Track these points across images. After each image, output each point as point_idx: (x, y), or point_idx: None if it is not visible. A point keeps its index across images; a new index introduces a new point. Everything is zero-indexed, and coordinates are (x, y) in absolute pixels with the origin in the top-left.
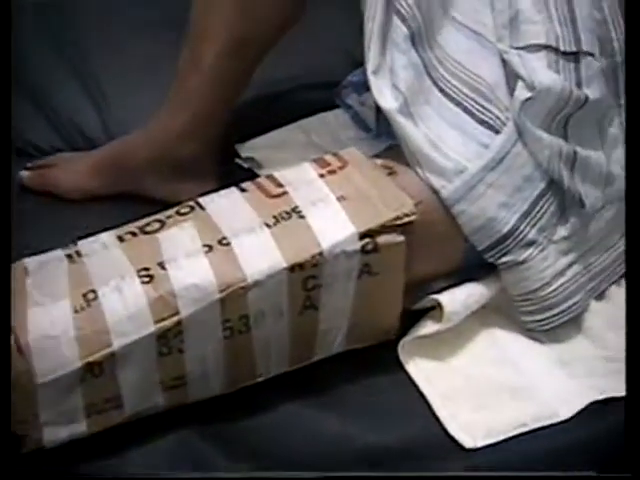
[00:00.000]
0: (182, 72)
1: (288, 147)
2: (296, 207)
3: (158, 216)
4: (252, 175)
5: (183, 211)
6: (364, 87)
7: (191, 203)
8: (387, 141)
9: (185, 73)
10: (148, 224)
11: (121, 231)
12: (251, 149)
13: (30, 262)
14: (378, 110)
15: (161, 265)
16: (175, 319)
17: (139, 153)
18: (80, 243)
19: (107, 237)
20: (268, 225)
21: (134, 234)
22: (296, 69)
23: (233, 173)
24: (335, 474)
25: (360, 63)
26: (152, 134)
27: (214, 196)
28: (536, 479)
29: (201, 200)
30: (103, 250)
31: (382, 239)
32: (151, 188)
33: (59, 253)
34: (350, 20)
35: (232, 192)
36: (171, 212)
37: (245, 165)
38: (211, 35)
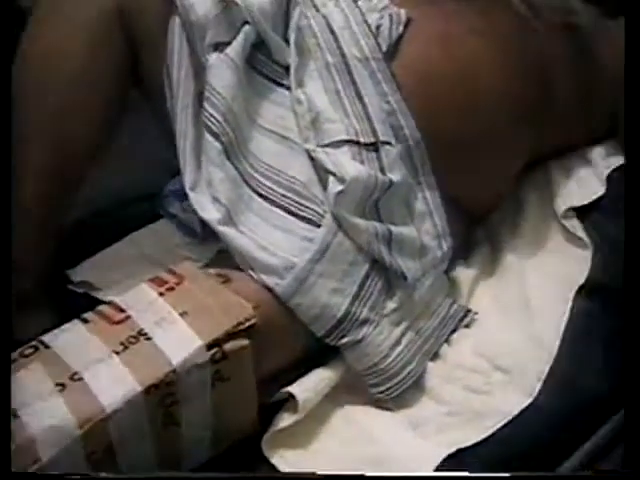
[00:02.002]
0: None
1: (121, 264)
2: (141, 330)
3: None
4: (89, 299)
5: (27, 352)
6: (184, 194)
7: (34, 343)
8: (215, 244)
9: None
10: None
11: None
12: (83, 272)
13: None
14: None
15: (14, 413)
16: (36, 467)
17: None
18: None
19: None
20: (117, 352)
21: None
22: (115, 184)
23: (70, 301)
24: (335, 474)
25: (177, 171)
26: None
27: (57, 332)
28: (535, 479)
29: (44, 338)
30: None
31: (228, 346)
32: None
33: None
34: (161, 131)
35: (75, 325)
36: (15, 355)
37: (79, 290)
38: (27, 175)
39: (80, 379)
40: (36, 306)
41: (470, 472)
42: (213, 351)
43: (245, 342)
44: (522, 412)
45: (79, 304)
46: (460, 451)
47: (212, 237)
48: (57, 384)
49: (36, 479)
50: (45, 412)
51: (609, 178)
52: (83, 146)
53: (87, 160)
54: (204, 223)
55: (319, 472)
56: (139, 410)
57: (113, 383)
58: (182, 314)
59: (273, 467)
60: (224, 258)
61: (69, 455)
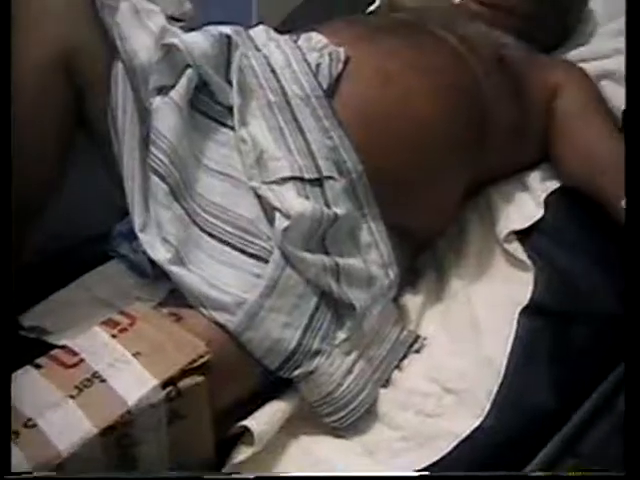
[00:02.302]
0: None
1: (72, 307)
2: (95, 372)
3: None
4: (42, 344)
5: None
6: (134, 235)
7: None
8: (167, 283)
9: None
10: None
11: None
12: (34, 317)
13: None
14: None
15: None
16: None
17: None
18: None
19: None
20: (72, 396)
21: None
22: (64, 227)
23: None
24: (335, 474)
25: (126, 212)
26: None
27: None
28: (534, 479)
29: None
30: None
31: (183, 384)
32: None
33: None
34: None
35: (27, 371)
36: None
37: (31, 335)
38: None
39: (34, 425)
40: None
41: None
42: (168, 389)
43: (200, 379)
44: (473, 432)
45: (31, 350)
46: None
47: (163, 277)
48: (13, 433)
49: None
50: None
51: (546, 201)
52: (32, 187)
53: (35, 202)
54: (154, 263)
55: None
56: (96, 453)
57: (68, 427)
58: (136, 354)
59: None
60: (176, 297)
61: None
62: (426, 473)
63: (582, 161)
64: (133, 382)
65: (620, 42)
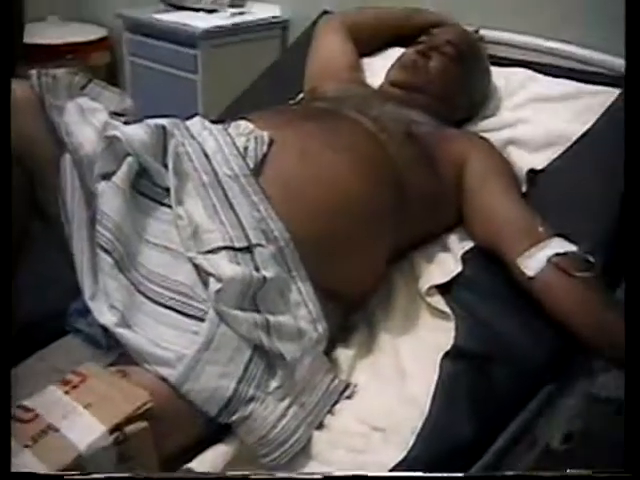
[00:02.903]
0: None
1: (32, 377)
2: (49, 424)
3: None
4: None
5: None
6: (88, 311)
7: None
8: (117, 350)
9: None
10: None
11: None
12: None
13: None
14: (105, 327)
15: None
16: None
17: None
18: None
19: None
20: (27, 446)
21: None
22: (23, 307)
23: None
24: (335, 474)
25: (79, 291)
26: None
27: None
28: (534, 479)
29: None
30: None
31: (129, 429)
32: None
33: None
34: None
35: None
36: None
37: None
38: None
39: None
40: None
41: None
42: (115, 435)
43: (143, 424)
44: (399, 463)
45: None
46: None
47: (115, 346)
48: None
49: (36, 479)
50: None
51: (463, 258)
52: None
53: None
54: (107, 334)
55: None
56: None
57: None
58: (86, 406)
59: None
60: (124, 358)
61: None
62: (428, 474)
63: (482, 223)
64: (84, 429)
65: (520, 113)
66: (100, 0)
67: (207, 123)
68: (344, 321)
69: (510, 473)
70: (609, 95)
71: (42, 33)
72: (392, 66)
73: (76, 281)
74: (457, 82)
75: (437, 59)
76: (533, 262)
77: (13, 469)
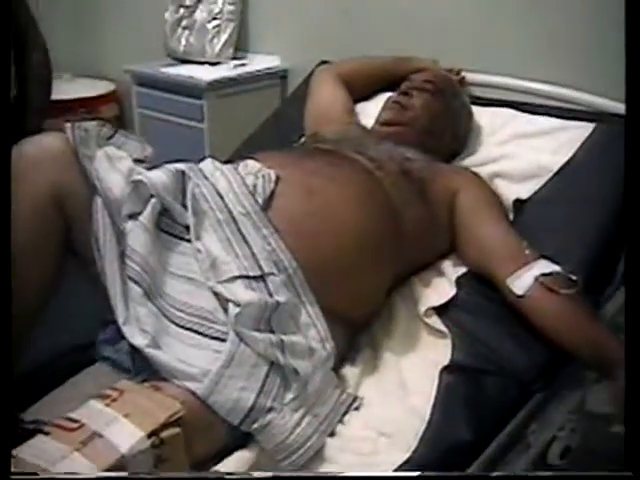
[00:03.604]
0: None
1: (65, 403)
2: (95, 431)
3: None
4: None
5: None
6: (115, 340)
7: None
8: (144, 374)
9: None
10: None
11: None
12: (34, 413)
13: None
14: (132, 354)
15: None
16: None
17: None
18: None
19: None
20: (77, 449)
21: None
22: (55, 336)
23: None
24: (335, 474)
25: (106, 323)
26: None
27: (23, 446)
28: (535, 479)
29: (13, 452)
30: None
31: (164, 434)
32: None
33: None
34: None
35: (38, 438)
36: None
37: (31, 427)
38: None
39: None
40: None
41: None
42: (152, 439)
43: (177, 430)
44: (404, 463)
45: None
46: None
47: (141, 371)
48: None
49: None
50: None
51: (458, 281)
52: (28, 303)
53: (31, 316)
54: (134, 360)
55: None
56: None
57: (77, 469)
58: (125, 415)
59: None
60: (153, 379)
61: None
62: (427, 473)
63: (474, 250)
64: (125, 435)
65: (505, 148)
66: (108, 56)
67: (217, 164)
68: (350, 341)
69: (510, 474)
70: (585, 129)
71: (56, 89)
72: (381, 110)
73: (102, 314)
74: (440, 115)
75: (418, 96)
76: (521, 282)
77: (63, 470)
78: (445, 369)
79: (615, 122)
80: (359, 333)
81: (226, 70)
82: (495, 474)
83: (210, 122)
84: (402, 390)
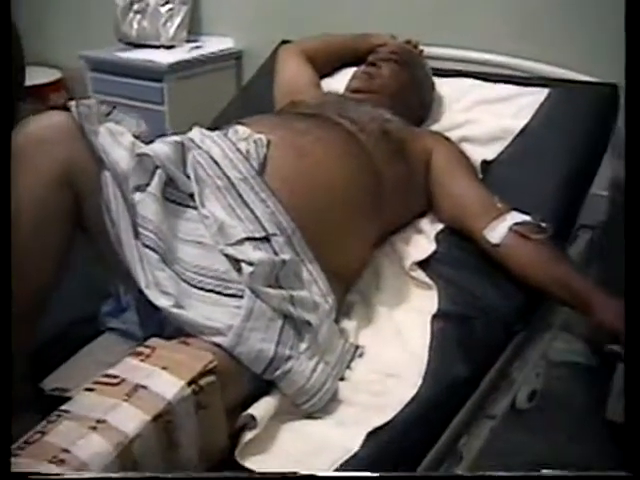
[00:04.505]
0: None
1: (82, 370)
2: (137, 384)
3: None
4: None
5: (52, 419)
6: (118, 312)
7: (55, 413)
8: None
9: None
10: None
11: None
12: (53, 381)
13: None
14: (141, 323)
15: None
16: None
17: None
18: None
19: None
20: (125, 400)
21: None
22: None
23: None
24: (334, 474)
25: (106, 295)
26: None
27: (70, 402)
28: (535, 479)
29: (62, 408)
30: None
31: (202, 381)
32: None
33: None
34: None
35: (83, 393)
36: (41, 425)
37: (55, 394)
38: None
39: (104, 421)
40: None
41: (383, 439)
42: (192, 387)
43: (213, 378)
44: (412, 399)
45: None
46: (376, 429)
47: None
48: (89, 427)
49: (36, 479)
50: (88, 445)
51: (437, 238)
52: (43, 279)
53: (46, 291)
54: (144, 328)
55: (277, 465)
56: (151, 436)
57: (130, 419)
58: (163, 368)
59: (247, 469)
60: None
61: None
62: (427, 473)
63: (450, 206)
64: (167, 385)
65: (469, 115)
66: (55, 44)
67: (205, 131)
68: (342, 299)
69: (511, 474)
70: (540, 94)
71: None
72: (349, 81)
73: (102, 288)
74: (407, 83)
75: (386, 66)
76: (496, 232)
77: (118, 416)
78: (435, 317)
79: (565, 86)
80: (349, 291)
81: (182, 53)
82: (495, 474)
83: (170, 104)
84: (398, 337)
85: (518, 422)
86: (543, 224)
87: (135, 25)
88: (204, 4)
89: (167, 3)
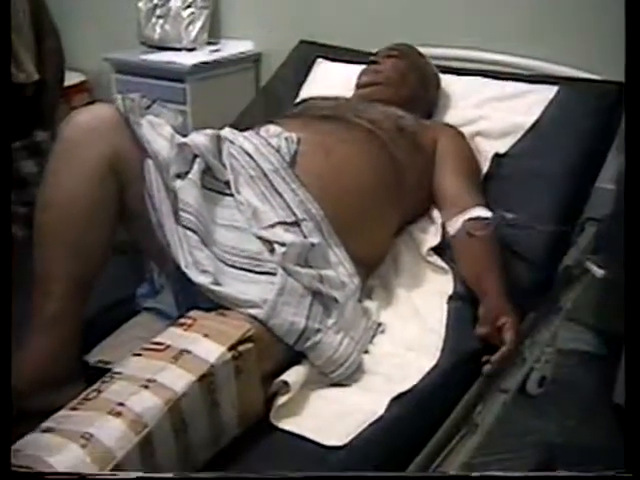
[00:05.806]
0: (37, 305)
1: (122, 345)
2: (182, 349)
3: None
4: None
5: (105, 380)
6: (153, 293)
7: (108, 375)
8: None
9: (40, 307)
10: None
11: None
12: (96, 354)
13: None
14: (177, 302)
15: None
16: (142, 434)
17: (22, 377)
18: None
19: None
20: (172, 363)
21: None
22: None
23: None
24: (335, 474)
25: (141, 280)
26: (29, 359)
27: (119, 366)
28: (535, 479)
29: (115, 369)
30: None
31: (241, 348)
32: (33, 403)
33: None
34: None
35: (131, 358)
36: (94, 386)
37: (99, 365)
38: (54, 278)
39: (155, 380)
40: (70, 378)
41: (405, 404)
42: (232, 352)
43: (250, 345)
44: (432, 369)
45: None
46: (399, 395)
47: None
48: (141, 385)
49: (36, 479)
50: (141, 400)
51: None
52: (92, 265)
53: (93, 276)
54: (179, 307)
55: (310, 426)
56: (196, 394)
57: (178, 379)
58: (205, 336)
59: (281, 430)
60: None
61: (161, 427)
62: (427, 473)
63: (434, 194)
64: (209, 350)
65: (480, 111)
66: (78, 48)
67: (235, 131)
68: (365, 282)
69: (511, 474)
70: (550, 91)
71: None
72: (358, 78)
73: (137, 273)
74: (410, 75)
75: (387, 61)
76: (454, 224)
77: (167, 376)
78: (451, 298)
79: (573, 85)
80: (370, 277)
81: (203, 55)
82: (495, 474)
83: (192, 105)
84: (417, 316)
85: (529, 407)
86: (490, 221)
87: (158, 29)
88: (224, 8)
89: (189, 7)
